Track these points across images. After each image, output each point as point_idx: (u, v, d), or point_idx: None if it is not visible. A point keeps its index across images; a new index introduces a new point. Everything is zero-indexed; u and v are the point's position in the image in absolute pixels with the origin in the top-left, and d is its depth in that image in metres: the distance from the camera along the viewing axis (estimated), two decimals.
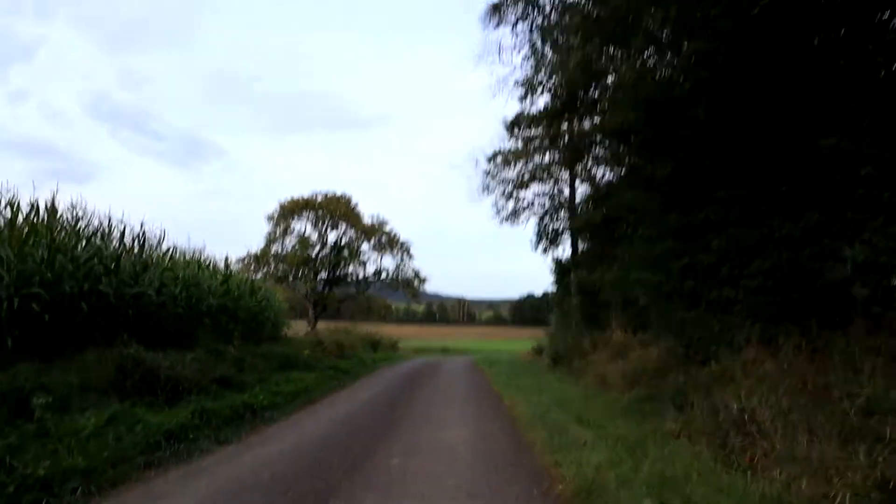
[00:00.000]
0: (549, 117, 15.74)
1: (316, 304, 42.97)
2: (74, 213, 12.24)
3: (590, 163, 20.95)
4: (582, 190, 23.00)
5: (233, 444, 7.91)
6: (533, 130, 21.64)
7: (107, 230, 13.06)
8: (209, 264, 17.94)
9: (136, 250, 13.75)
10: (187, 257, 16.79)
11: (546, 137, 19.97)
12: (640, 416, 9.48)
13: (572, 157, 19.93)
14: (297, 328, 29.77)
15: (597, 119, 15.84)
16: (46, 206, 11.27)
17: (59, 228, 11.45)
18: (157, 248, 14.91)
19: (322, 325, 38.26)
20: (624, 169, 14.63)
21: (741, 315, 9.91)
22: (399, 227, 43.62)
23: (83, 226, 12.44)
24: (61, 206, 11.74)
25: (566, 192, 23.70)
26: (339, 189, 44.22)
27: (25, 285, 9.68)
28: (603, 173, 20.43)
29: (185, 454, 7.08)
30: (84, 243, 11.90)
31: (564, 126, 18.53)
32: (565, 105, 15.08)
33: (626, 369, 13.60)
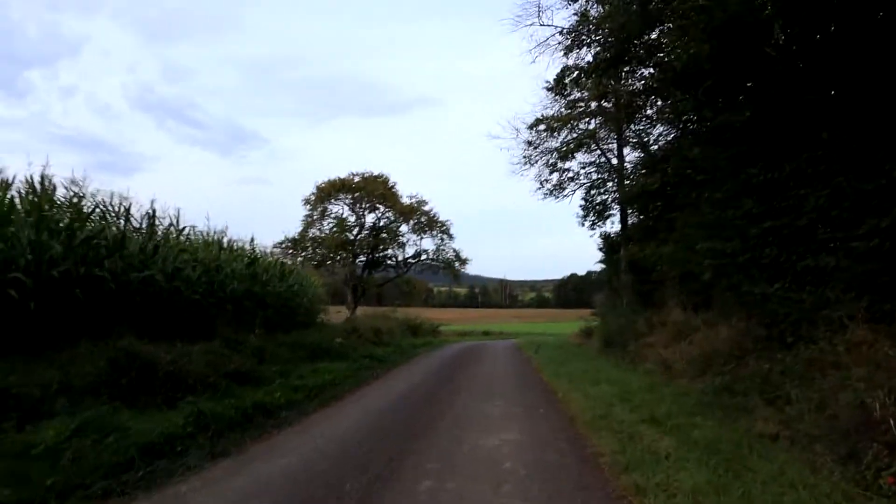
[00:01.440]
0: (599, 69, 13.93)
1: (355, 289, 41.74)
2: (78, 192, 11.01)
3: (642, 125, 19.15)
4: (632, 158, 21.22)
5: (230, 457, 6.49)
6: (578, 92, 19.93)
7: (112, 208, 11.83)
8: (233, 246, 16.66)
9: (144, 230, 12.49)
10: (208, 238, 15.51)
11: (594, 97, 18.15)
12: (722, 412, 7.88)
13: (625, 116, 18.06)
14: (336, 314, 28.50)
15: (654, 70, 14.01)
16: (30, 181, 10.01)
17: (50, 206, 10.21)
18: (170, 228, 13.60)
19: (362, 311, 36.99)
20: (689, 123, 12.79)
21: (842, 287, 8.19)
22: (439, 208, 42.01)
23: (87, 204, 11.22)
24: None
25: (614, 161, 21.96)
26: (376, 169, 42.54)
27: (2, 270, 8.44)
28: (658, 135, 18.62)
29: (164, 474, 5.64)
30: (84, 225, 10.63)
31: (613, 82, 16.75)
32: (618, 54, 13.27)
33: (692, 353, 11.98)
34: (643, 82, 15.90)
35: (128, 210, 12.07)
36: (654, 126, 18.43)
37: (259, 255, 17.61)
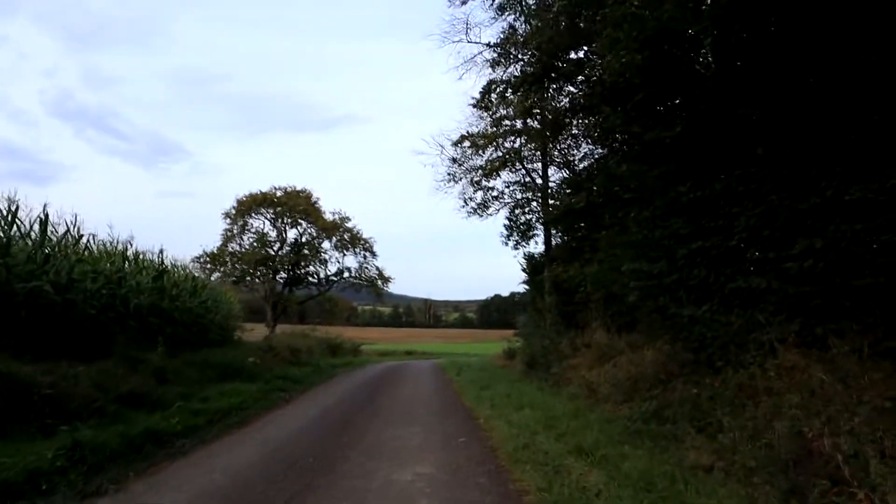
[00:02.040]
0: (525, 83, 13.59)
1: (276, 306, 40.47)
2: None
3: (568, 143, 19.00)
4: (557, 178, 21.06)
5: (107, 495, 5.64)
6: (504, 109, 19.64)
7: None
8: (139, 258, 15.51)
9: (35, 238, 11.36)
10: (110, 248, 14.37)
11: (520, 113, 17.82)
12: (652, 441, 7.48)
13: (550, 134, 17.81)
14: (256, 332, 27.31)
15: (582, 87, 13.79)
16: None
17: None
18: (66, 236, 12.43)
19: (281, 329, 35.78)
20: (616, 141, 12.55)
21: (772, 309, 7.93)
22: (364, 226, 41.16)
23: None
24: None
25: (539, 181, 21.72)
26: (299, 184, 41.53)
27: None
28: (583, 155, 18.51)
29: None
30: None
31: (538, 98, 16.52)
32: (545, 70, 12.97)
33: (617, 376, 11.66)
34: (570, 98, 15.70)
35: (14, 213, 10.92)
36: (580, 145, 18.32)
37: (167, 268, 16.43)
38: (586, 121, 14.85)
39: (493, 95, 15.95)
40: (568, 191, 17.53)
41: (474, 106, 20.47)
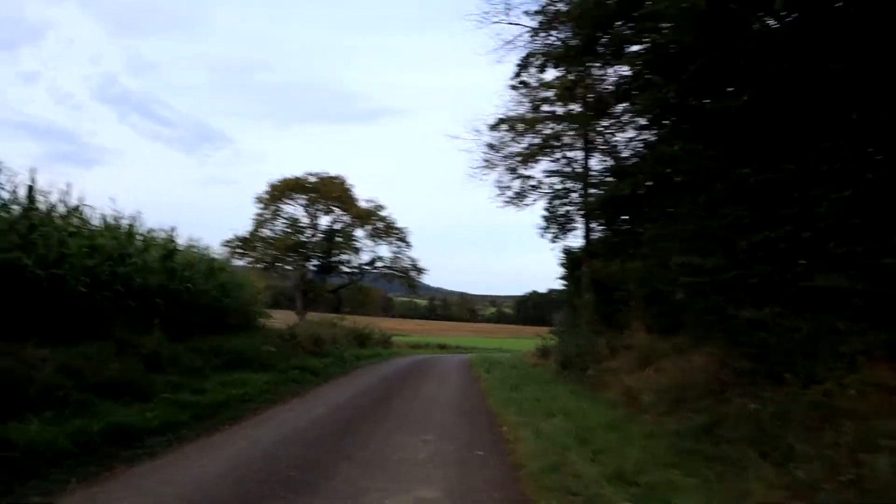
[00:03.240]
0: (567, 57, 12.28)
1: (306, 294, 39.76)
2: None
3: (612, 128, 17.67)
4: (599, 168, 19.76)
5: None
6: (544, 92, 18.38)
7: None
8: (147, 236, 14.57)
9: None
10: (112, 224, 13.44)
11: (561, 93, 16.51)
12: (705, 463, 6.21)
13: (593, 113, 16.47)
14: (285, 319, 26.42)
15: (630, 61, 12.43)
16: None
17: None
18: (56, 206, 11.45)
19: (313, 317, 34.95)
20: (668, 118, 11.15)
21: (852, 315, 6.63)
22: (399, 218, 40.02)
23: None
24: None
25: (579, 169, 20.40)
26: (333, 170, 40.80)
27: None
28: (628, 140, 17.16)
29: None
30: None
31: (580, 76, 15.24)
32: (588, 42, 11.69)
33: (660, 383, 10.39)
34: (616, 75, 14.35)
35: None
36: (625, 129, 16.95)
37: (178, 247, 15.46)
38: (633, 102, 13.44)
39: (532, 69, 14.66)
40: (611, 178, 16.21)
41: (513, 87, 19.32)
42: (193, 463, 6.26)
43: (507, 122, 19.89)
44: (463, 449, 7.45)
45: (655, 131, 12.67)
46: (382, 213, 41.23)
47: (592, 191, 18.86)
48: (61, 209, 11.46)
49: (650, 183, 13.37)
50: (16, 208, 10.32)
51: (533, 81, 17.31)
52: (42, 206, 10.91)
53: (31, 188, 10.47)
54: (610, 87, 14.99)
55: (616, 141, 18.39)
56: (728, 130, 8.43)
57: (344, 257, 42.04)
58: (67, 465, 5.61)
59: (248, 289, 20.77)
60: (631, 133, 16.63)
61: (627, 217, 17.12)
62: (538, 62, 13.85)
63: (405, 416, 9.89)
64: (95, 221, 12.79)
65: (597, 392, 12.22)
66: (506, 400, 11.92)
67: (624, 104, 14.84)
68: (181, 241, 16.57)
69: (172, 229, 15.74)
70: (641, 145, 15.70)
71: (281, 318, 25.64)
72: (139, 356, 10.14)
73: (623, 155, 17.31)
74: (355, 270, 42.61)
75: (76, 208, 11.77)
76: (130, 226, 13.80)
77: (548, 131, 20.16)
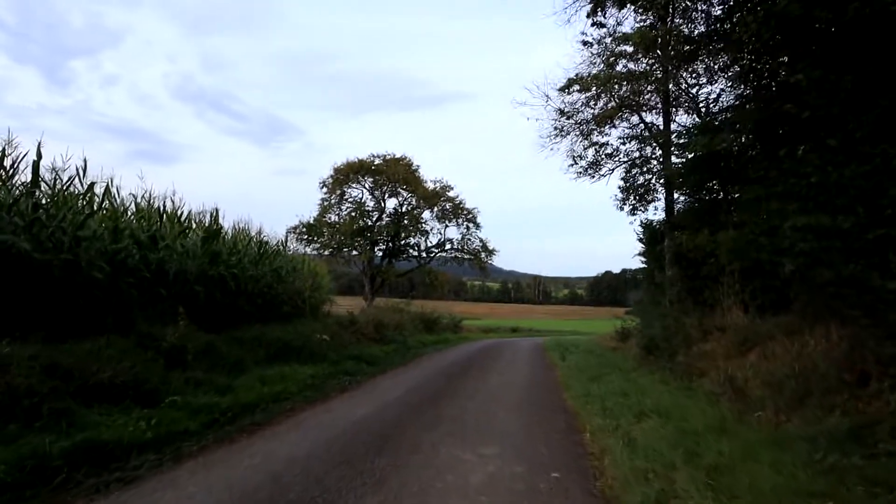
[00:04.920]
0: None
1: (374, 279, 38.63)
2: None
3: (700, 79, 15.62)
4: (682, 125, 17.67)
5: None
6: (619, 46, 16.36)
7: None
8: (183, 218, 13.33)
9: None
10: (142, 204, 12.23)
11: (640, 42, 14.46)
12: (864, 488, 4.40)
13: (676, 63, 14.38)
14: (353, 305, 25.30)
15: None
16: None
17: None
18: (70, 183, 10.21)
19: (380, 302, 33.79)
20: (782, 46, 8.96)
21: None
22: (469, 200, 38.22)
23: None
24: None
25: (661, 126, 18.30)
26: (398, 152, 39.42)
27: None
28: (718, 94, 15.10)
29: None
30: None
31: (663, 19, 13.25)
32: None
33: (773, 372, 8.50)
34: (705, 17, 12.22)
35: None
36: (715, 80, 14.82)
37: (219, 231, 14.18)
38: (729, 40, 11.23)
39: (608, 3, 12.60)
40: (698, 136, 14.14)
41: (585, 43, 17.35)
42: (177, 492, 4.77)
43: (578, 83, 17.83)
44: (532, 469, 5.67)
45: (761, 68, 10.52)
46: (450, 194, 39.68)
47: (675, 154, 16.84)
48: (75, 187, 10.23)
49: (751, 139, 11.36)
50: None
51: (610, 23, 15.30)
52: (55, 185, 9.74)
53: (35, 164, 9.24)
54: (700, 28, 12.89)
55: (704, 95, 16.30)
56: (873, 49, 6.40)
57: (412, 240, 40.70)
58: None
59: (308, 274, 19.56)
60: (722, 84, 14.52)
61: (716, 182, 15.31)
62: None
63: (462, 418, 8.16)
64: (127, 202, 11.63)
65: (690, 381, 10.34)
66: (585, 394, 10.11)
67: (715, 50, 12.72)
68: (227, 223, 15.40)
69: (215, 210, 14.49)
70: (733, 99, 13.63)
71: (350, 305, 24.58)
72: (158, 351, 8.81)
73: (714, 110, 15.23)
74: (423, 254, 41.19)
75: (92, 185, 10.49)
76: (162, 206, 12.57)
77: (624, 92, 18.06)
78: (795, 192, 8.50)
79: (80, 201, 10.15)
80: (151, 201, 12.39)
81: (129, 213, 11.79)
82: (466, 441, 6.75)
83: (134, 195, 12.01)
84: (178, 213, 13.13)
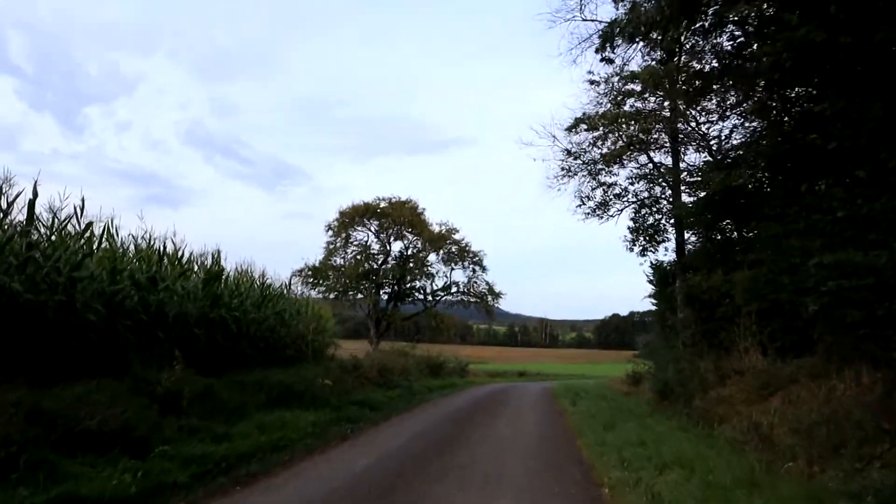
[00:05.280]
0: (658, 26, 10.02)
1: (379, 322, 38.18)
2: None
3: (710, 115, 15.54)
4: (692, 166, 17.59)
5: None
6: (629, 83, 16.32)
7: None
8: (183, 259, 13.02)
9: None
10: (141, 245, 11.94)
11: (649, 80, 14.35)
12: None
13: (685, 98, 14.25)
14: (357, 349, 24.88)
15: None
16: None
17: None
18: (66, 223, 9.93)
19: (385, 346, 33.28)
20: (802, 74, 8.62)
21: None
22: (477, 244, 37.89)
23: None
24: None
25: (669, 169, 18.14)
26: (404, 195, 39.18)
27: None
28: (731, 130, 14.96)
29: None
30: None
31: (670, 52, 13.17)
32: (683, 6, 9.47)
33: (800, 419, 8.05)
34: (714, 50, 12.05)
35: None
36: (727, 117, 14.67)
37: (221, 273, 13.85)
38: (742, 74, 10.95)
39: (617, 39, 12.47)
40: (713, 173, 13.88)
41: (591, 83, 17.27)
42: None
43: (585, 122, 17.70)
44: None
45: (775, 104, 10.24)
46: (456, 237, 39.41)
47: (686, 193, 16.59)
48: (72, 227, 9.95)
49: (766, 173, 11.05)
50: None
51: (618, 61, 15.28)
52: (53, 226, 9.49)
53: (31, 203, 8.98)
54: (709, 63, 12.73)
55: (715, 132, 16.21)
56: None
57: (417, 283, 40.26)
58: None
59: (312, 318, 19.24)
60: (734, 121, 14.34)
61: (730, 220, 15.21)
62: (625, 31, 11.71)
63: (470, 469, 7.67)
64: (115, 240, 11.34)
65: (711, 428, 9.89)
66: (601, 443, 9.60)
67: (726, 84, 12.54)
68: (230, 266, 15.11)
69: (217, 252, 14.19)
70: (746, 135, 13.41)
71: (354, 349, 24.18)
72: (152, 396, 8.41)
73: (726, 146, 15.08)
74: (429, 297, 40.73)
75: (90, 225, 10.19)
76: (162, 247, 12.29)
77: (632, 131, 17.91)
78: (819, 228, 8.19)
79: (78, 241, 9.84)
80: (152, 242, 12.12)
81: (129, 254, 11.50)
82: (474, 497, 6.27)
83: (134, 236, 11.72)
84: (179, 254, 12.86)
